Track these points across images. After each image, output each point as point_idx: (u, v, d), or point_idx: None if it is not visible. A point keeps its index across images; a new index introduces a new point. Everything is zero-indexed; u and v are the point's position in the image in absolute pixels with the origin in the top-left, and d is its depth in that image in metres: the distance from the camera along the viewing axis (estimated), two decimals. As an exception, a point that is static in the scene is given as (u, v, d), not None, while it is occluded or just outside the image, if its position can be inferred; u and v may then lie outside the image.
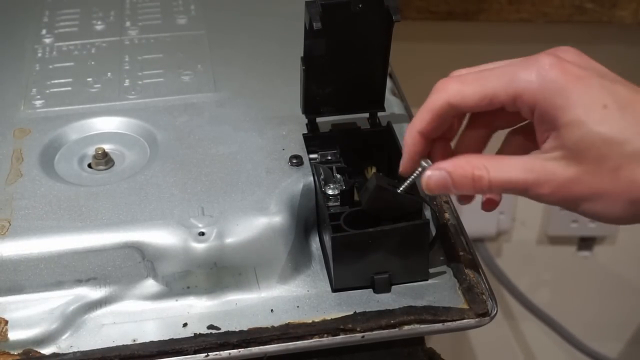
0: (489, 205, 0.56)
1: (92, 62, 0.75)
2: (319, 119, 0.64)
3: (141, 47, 0.77)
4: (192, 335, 0.54)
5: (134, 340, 0.54)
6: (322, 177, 0.59)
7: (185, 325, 0.55)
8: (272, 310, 0.56)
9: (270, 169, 0.61)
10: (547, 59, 0.49)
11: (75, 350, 0.54)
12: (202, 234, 0.56)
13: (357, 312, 0.55)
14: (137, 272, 0.56)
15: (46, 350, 0.54)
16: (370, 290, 0.57)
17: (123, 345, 0.54)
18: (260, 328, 0.54)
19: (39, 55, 0.76)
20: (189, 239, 0.56)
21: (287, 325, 0.55)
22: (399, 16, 0.58)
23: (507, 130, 0.57)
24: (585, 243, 1.26)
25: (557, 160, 0.49)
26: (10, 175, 0.62)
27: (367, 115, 0.65)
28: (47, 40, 0.78)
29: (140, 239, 0.56)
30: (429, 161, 0.53)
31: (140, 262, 0.56)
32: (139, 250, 0.56)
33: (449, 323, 0.55)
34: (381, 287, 0.56)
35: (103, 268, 0.56)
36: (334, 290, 0.57)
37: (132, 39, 0.78)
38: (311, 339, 0.54)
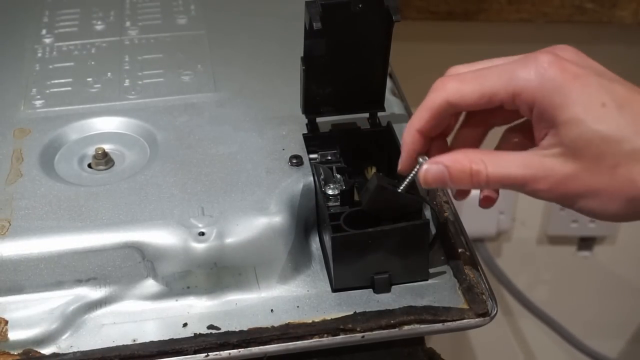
0: (487, 202, 0.56)
1: (92, 62, 0.75)
2: (319, 119, 0.64)
3: (141, 47, 0.77)
4: (192, 335, 0.54)
5: (134, 340, 0.54)
6: (322, 177, 0.59)
7: (185, 325, 0.55)
8: (272, 310, 0.56)
9: (270, 169, 0.61)
10: (545, 57, 0.49)
11: (75, 350, 0.54)
12: (202, 234, 0.56)
13: (357, 312, 0.55)
14: (137, 272, 0.56)
15: (46, 350, 0.54)
16: (370, 290, 0.57)
17: (123, 345, 0.54)
18: (260, 328, 0.54)
19: (39, 55, 0.76)
20: (189, 239, 0.56)
21: (287, 325, 0.55)
22: (399, 16, 0.58)
23: (503, 128, 0.57)
24: (585, 243, 1.26)
25: (555, 157, 0.49)
26: (10, 175, 0.62)
27: (367, 115, 0.65)
28: (47, 40, 0.78)
29: (140, 239, 0.56)
30: (427, 158, 0.53)
31: (140, 262, 0.56)
32: (139, 250, 0.56)
33: (449, 323, 0.55)
34: (381, 287, 0.56)
35: (103, 268, 0.56)
36: (334, 290, 0.57)
37: (132, 39, 0.78)
38: (311, 339, 0.54)
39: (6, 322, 0.55)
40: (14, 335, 0.54)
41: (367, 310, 0.55)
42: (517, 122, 0.56)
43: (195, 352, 0.53)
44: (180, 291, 0.56)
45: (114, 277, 0.56)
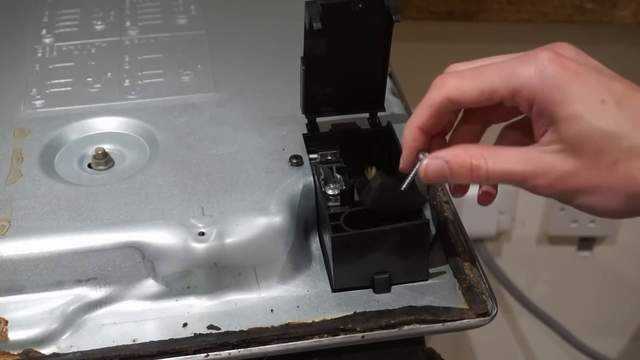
0: (486, 198, 0.56)
1: (92, 62, 0.75)
2: (319, 119, 0.64)
3: (141, 47, 0.77)
4: (192, 335, 0.54)
5: (134, 340, 0.54)
6: (322, 177, 0.59)
7: (185, 325, 0.55)
8: (272, 310, 0.56)
9: (270, 169, 0.61)
10: (545, 54, 0.50)
11: (75, 350, 0.54)
12: (202, 234, 0.56)
13: (357, 312, 0.55)
14: (137, 272, 0.56)
15: (46, 350, 0.54)
16: (370, 290, 0.57)
17: (123, 345, 0.54)
18: (260, 328, 0.54)
19: (39, 55, 0.76)
20: (189, 239, 0.56)
21: (287, 325, 0.55)
22: (399, 16, 0.58)
23: (501, 125, 0.57)
24: (585, 243, 1.26)
25: (555, 154, 0.49)
26: (10, 175, 0.62)
27: (367, 115, 0.65)
28: (47, 40, 0.78)
29: (140, 239, 0.56)
30: (427, 155, 0.53)
31: (140, 262, 0.56)
32: (139, 250, 0.56)
33: (449, 323, 0.55)
34: (381, 287, 0.56)
35: (103, 268, 0.56)
36: (334, 290, 0.57)
37: (132, 39, 0.78)
38: (311, 339, 0.54)
39: (6, 322, 0.55)
40: (14, 335, 0.54)
41: (367, 310, 0.55)
42: (515, 119, 0.56)
43: (195, 352, 0.53)
44: (180, 291, 0.56)
45: (114, 277, 0.56)
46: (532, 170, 0.50)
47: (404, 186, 0.55)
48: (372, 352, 0.56)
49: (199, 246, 0.55)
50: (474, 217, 1.11)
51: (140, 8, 0.83)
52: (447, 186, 0.62)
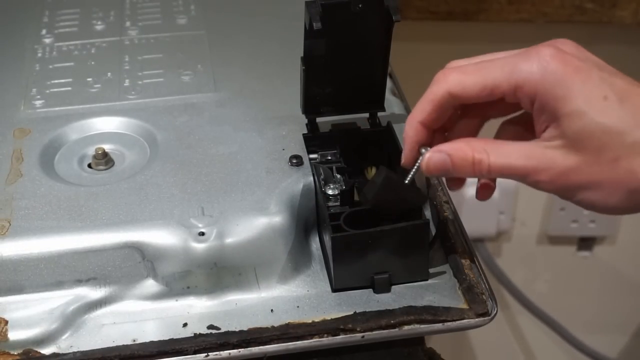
0: (484, 191, 0.56)
1: (92, 62, 0.75)
2: (319, 119, 0.64)
3: (141, 47, 0.77)
4: (192, 335, 0.54)
5: (134, 340, 0.54)
6: (322, 177, 0.59)
7: (185, 325, 0.55)
8: (272, 310, 0.56)
9: (270, 169, 0.61)
10: (547, 50, 0.50)
11: (75, 350, 0.54)
12: (202, 234, 0.56)
13: (357, 312, 0.55)
14: (137, 272, 0.56)
15: (46, 350, 0.54)
16: (370, 290, 0.57)
17: (123, 345, 0.54)
18: (260, 328, 0.54)
19: (39, 55, 0.76)
20: (189, 239, 0.56)
21: (287, 325, 0.55)
22: (399, 16, 0.58)
23: (499, 119, 0.57)
24: (585, 243, 1.26)
25: (557, 149, 0.50)
26: (10, 175, 0.62)
27: (367, 115, 0.65)
28: (47, 40, 0.78)
29: (140, 239, 0.56)
30: (429, 149, 0.53)
31: (140, 262, 0.56)
32: (139, 250, 0.56)
33: (449, 323, 0.55)
34: (381, 287, 0.56)
35: (103, 268, 0.56)
36: (334, 290, 0.57)
37: (132, 39, 0.78)
38: (311, 339, 0.54)
39: (6, 322, 0.55)
40: (14, 335, 0.54)
41: (367, 310, 0.55)
42: (514, 114, 0.56)
43: (195, 352, 0.53)
44: (180, 291, 0.56)
45: (114, 277, 0.56)
46: (534, 165, 0.50)
47: (407, 179, 0.55)
48: (372, 352, 0.56)
49: (199, 246, 0.55)
50: (474, 217, 1.11)
51: (140, 8, 0.83)
52: (443, 180, 0.62)
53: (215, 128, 0.66)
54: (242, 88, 0.71)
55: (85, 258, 0.56)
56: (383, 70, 0.63)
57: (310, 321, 0.55)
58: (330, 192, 0.59)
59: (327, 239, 0.57)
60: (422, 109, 0.53)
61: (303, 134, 0.64)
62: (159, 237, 0.56)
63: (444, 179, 0.62)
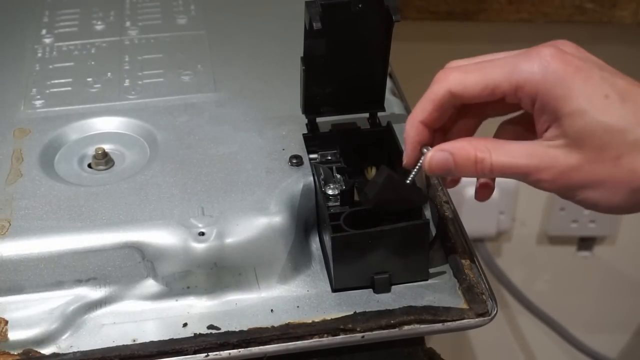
0: (483, 190, 0.56)
1: (92, 62, 0.75)
2: (319, 119, 0.64)
3: (141, 47, 0.77)
4: (192, 335, 0.54)
5: (134, 340, 0.54)
6: (322, 177, 0.59)
7: (185, 325, 0.55)
8: (272, 310, 0.56)
9: (270, 169, 0.61)
10: (548, 50, 0.50)
11: (75, 350, 0.54)
12: (202, 234, 0.56)
13: (357, 312, 0.55)
14: (137, 272, 0.56)
15: (46, 350, 0.54)
16: (370, 290, 0.57)
17: (123, 345, 0.54)
18: (260, 328, 0.54)
19: (39, 55, 0.76)
20: (189, 239, 0.56)
21: (287, 325, 0.55)
22: (399, 16, 0.58)
23: (497, 119, 0.57)
24: (585, 243, 1.26)
25: (559, 148, 0.50)
26: (10, 175, 0.62)
27: (367, 115, 0.65)
28: (47, 40, 0.78)
29: (140, 239, 0.56)
30: (430, 148, 0.53)
31: (140, 262, 0.56)
32: (139, 250, 0.56)
33: (449, 323, 0.55)
34: (381, 287, 0.56)
35: (103, 268, 0.56)
36: (334, 290, 0.57)
37: (132, 39, 0.78)
38: (311, 339, 0.54)
39: (6, 322, 0.55)
40: (14, 335, 0.54)
41: (367, 310, 0.55)
42: (513, 114, 0.56)
43: (195, 352, 0.53)
44: (180, 291, 0.56)
45: (114, 277, 0.56)
46: (536, 164, 0.50)
47: (409, 179, 0.55)
48: (372, 352, 0.56)
49: (199, 246, 0.55)
50: (474, 217, 1.11)
51: (140, 8, 0.83)
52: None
53: (215, 128, 0.66)
54: (242, 88, 0.71)
55: (85, 258, 0.56)
56: (383, 70, 0.63)
57: (310, 321, 0.55)
58: (330, 192, 0.59)
59: (327, 239, 0.57)
60: (423, 109, 0.53)
61: (303, 134, 0.64)
62: (159, 237, 0.56)
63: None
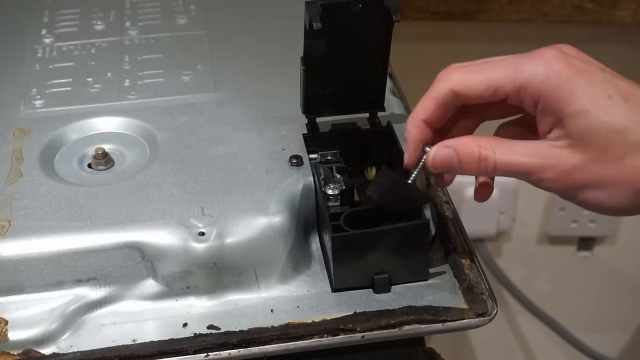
0: (483, 190, 0.56)
1: (92, 62, 0.75)
2: (319, 119, 0.64)
3: (141, 47, 0.77)
4: (192, 335, 0.54)
5: (134, 340, 0.54)
6: (322, 177, 0.59)
7: (185, 325, 0.55)
8: (272, 310, 0.56)
9: (270, 169, 0.61)
10: (551, 52, 0.50)
11: (75, 350, 0.54)
12: (202, 234, 0.56)
13: (357, 312, 0.55)
14: (137, 272, 0.56)
15: (46, 350, 0.54)
16: (370, 290, 0.57)
17: (123, 345, 0.54)
18: (260, 328, 0.54)
19: (39, 55, 0.76)
20: (189, 239, 0.56)
21: (287, 325, 0.55)
22: (399, 16, 0.58)
23: (496, 120, 0.57)
24: (585, 243, 1.26)
25: (563, 148, 0.50)
26: (10, 175, 0.62)
27: (367, 115, 0.65)
28: (47, 40, 0.78)
29: (140, 239, 0.56)
30: (432, 147, 0.53)
31: (140, 262, 0.56)
32: (139, 250, 0.56)
33: (449, 323, 0.55)
34: (381, 287, 0.56)
35: (103, 268, 0.56)
36: (334, 290, 0.57)
37: (132, 39, 0.78)
38: (311, 339, 0.54)
39: (6, 322, 0.55)
40: (14, 335, 0.54)
41: (367, 310, 0.55)
42: (512, 117, 0.56)
43: (195, 352, 0.53)
44: (180, 291, 0.56)
45: (114, 277, 0.56)
46: (540, 163, 0.50)
47: (410, 179, 0.55)
48: (372, 352, 0.56)
49: (199, 246, 0.55)
50: (474, 217, 1.11)
51: (140, 8, 0.83)
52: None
53: (215, 128, 0.66)
54: (242, 88, 0.71)
55: (85, 258, 0.56)
56: (383, 70, 0.63)
57: (310, 321, 0.55)
58: (330, 192, 0.59)
59: (327, 239, 0.57)
60: (425, 107, 0.53)
61: (303, 134, 0.64)
62: (159, 237, 0.56)
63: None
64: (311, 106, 0.63)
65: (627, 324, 1.33)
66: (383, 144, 0.63)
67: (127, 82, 0.72)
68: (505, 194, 1.17)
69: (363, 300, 0.56)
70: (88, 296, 0.56)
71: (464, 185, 1.01)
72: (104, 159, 0.64)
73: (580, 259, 1.27)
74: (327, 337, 0.54)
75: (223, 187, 0.60)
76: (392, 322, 0.54)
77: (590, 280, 1.29)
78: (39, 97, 0.70)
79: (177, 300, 0.57)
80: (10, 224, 0.57)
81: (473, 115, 0.56)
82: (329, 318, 0.55)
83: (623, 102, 0.49)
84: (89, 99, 0.70)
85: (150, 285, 0.57)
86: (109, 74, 0.73)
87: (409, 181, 0.55)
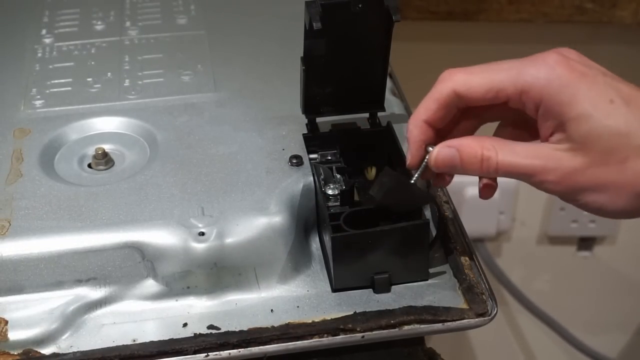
0: (487, 189, 0.56)
1: (92, 62, 0.75)
2: (319, 119, 0.64)
3: (141, 47, 0.77)
4: (192, 335, 0.54)
5: (134, 340, 0.54)
6: (322, 177, 0.59)
7: (185, 325, 0.55)
8: (272, 310, 0.56)
9: (270, 169, 0.61)
10: (553, 56, 0.50)
11: (75, 350, 0.54)
12: (202, 234, 0.56)
13: (357, 312, 0.55)
14: (137, 272, 0.56)
15: (46, 350, 0.54)
16: (370, 290, 0.57)
17: (123, 345, 0.54)
18: (260, 328, 0.54)
19: (39, 55, 0.76)
20: (189, 239, 0.56)
21: (287, 325, 0.55)
22: (399, 16, 0.58)
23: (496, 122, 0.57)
24: (585, 243, 1.26)
25: (565, 151, 0.50)
26: (10, 175, 0.62)
27: (367, 115, 0.65)
28: (47, 40, 0.78)
29: (140, 239, 0.56)
30: (434, 147, 0.53)
31: (140, 262, 0.56)
32: (139, 250, 0.56)
33: (449, 323, 0.55)
34: (381, 287, 0.56)
35: (103, 268, 0.56)
36: (334, 290, 0.57)
37: (132, 39, 0.78)
38: (311, 339, 0.54)
39: (6, 322, 0.55)
40: (14, 335, 0.54)
41: (367, 310, 0.55)
42: (510, 120, 0.56)
43: (195, 352, 0.53)
44: (180, 291, 0.56)
45: (114, 277, 0.56)
46: (542, 165, 0.50)
47: (413, 178, 0.55)
48: (372, 352, 0.56)
49: (199, 246, 0.55)
50: (474, 217, 1.11)
51: (140, 8, 0.83)
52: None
53: (215, 128, 0.66)
54: (242, 88, 0.71)
55: (85, 258, 0.56)
56: (383, 70, 0.63)
57: (310, 321, 0.55)
58: (330, 192, 0.59)
59: (327, 239, 0.57)
60: (426, 108, 0.53)
61: (303, 134, 0.64)
62: (159, 237, 0.56)
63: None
64: (311, 106, 0.63)
65: (627, 324, 1.33)
66: (383, 144, 0.63)
67: (127, 82, 0.72)
68: (505, 194, 1.17)
69: (363, 300, 0.56)
70: (88, 296, 0.56)
71: (464, 185, 1.01)
72: (104, 159, 0.64)
73: (580, 259, 1.27)
74: (327, 337, 0.54)
75: (223, 187, 0.60)
76: (392, 322, 0.54)
77: (590, 280, 1.29)
78: (39, 97, 0.70)
79: (177, 300, 0.57)
80: (10, 224, 0.57)
81: (474, 117, 0.56)
82: (329, 318, 0.55)
83: (625, 106, 0.49)
84: (89, 99, 0.70)
85: (150, 285, 0.57)
86: (109, 74, 0.73)
87: (412, 181, 0.55)
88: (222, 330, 0.55)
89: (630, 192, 0.49)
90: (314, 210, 0.60)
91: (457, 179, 0.57)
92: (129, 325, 0.55)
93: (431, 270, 0.58)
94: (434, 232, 0.60)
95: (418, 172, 0.55)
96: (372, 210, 0.56)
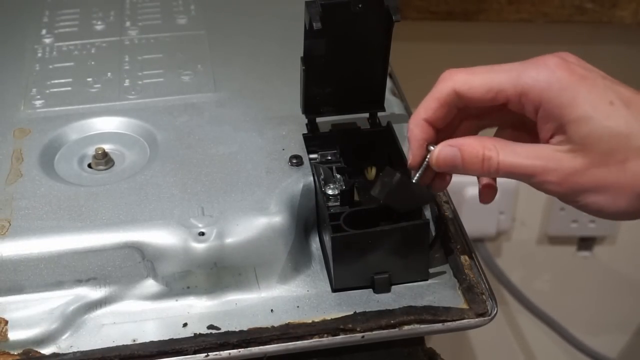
0: (487, 191, 0.56)
1: (92, 62, 0.75)
2: (319, 119, 0.64)
3: (141, 47, 0.77)
4: (192, 335, 0.54)
5: (134, 340, 0.54)
6: (322, 177, 0.59)
7: (185, 325, 0.55)
8: (272, 310, 0.56)
9: (270, 169, 0.61)
10: (553, 60, 0.50)
11: (75, 350, 0.54)
12: (202, 234, 0.56)
13: (357, 312, 0.55)
14: (137, 272, 0.56)
15: (46, 350, 0.54)
16: (370, 290, 0.57)
17: (123, 345, 0.54)
18: (260, 328, 0.54)
19: (39, 55, 0.76)
20: (189, 239, 0.56)
21: (287, 325, 0.55)
22: (399, 16, 0.58)
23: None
24: (585, 243, 1.26)
25: (565, 152, 0.50)
26: (10, 175, 0.62)
27: (367, 115, 0.65)
28: (47, 40, 0.78)
29: (140, 239, 0.56)
30: (436, 146, 0.53)
31: (140, 262, 0.56)
32: (139, 250, 0.56)
33: (449, 323, 0.55)
34: (381, 287, 0.56)
35: (103, 268, 0.56)
36: (334, 290, 0.57)
37: (132, 39, 0.78)
38: (311, 339, 0.54)
39: (6, 322, 0.55)
40: (14, 335, 0.54)
41: (367, 310, 0.55)
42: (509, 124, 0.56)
43: (195, 352, 0.53)
44: (180, 291, 0.56)
45: (114, 277, 0.56)
46: (543, 166, 0.50)
47: (415, 178, 0.55)
48: (372, 352, 0.56)
49: (199, 246, 0.55)
50: (474, 217, 1.11)
51: (140, 8, 0.83)
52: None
53: (215, 128, 0.66)
54: (242, 88, 0.71)
55: (85, 258, 0.56)
56: (383, 70, 0.63)
57: (310, 321, 0.55)
58: (330, 192, 0.59)
59: (327, 239, 0.57)
60: (427, 107, 0.53)
61: (303, 134, 0.64)
62: (159, 237, 0.56)
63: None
64: (311, 106, 0.63)
65: (627, 324, 1.33)
66: (383, 144, 0.63)
67: (127, 82, 0.72)
68: (505, 194, 1.17)
69: (363, 300, 0.56)
70: (88, 296, 0.56)
71: (464, 185, 1.01)
72: (104, 159, 0.64)
73: (580, 259, 1.27)
74: (327, 337, 0.54)
75: (223, 187, 0.60)
76: (392, 322, 0.54)
77: (590, 280, 1.29)
78: (39, 97, 0.70)
79: (177, 300, 0.57)
80: (10, 224, 0.57)
81: (474, 119, 0.56)
82: (329, 318, 0.55)
83: (624, 108, 0.49)
84: (89, 99, 0.70)
85: (150, 285, 0.57)
86: (109, 74, 0.73)
87: (414, 179, 0.55)
88: (222, 330, 0.55)
89: (630, 193, 0.49)
90: (314, 210, 0.60)
91: (457, 179, 0.57)
92: (129, 325, 0.55)
93: (431, 270, 0.58)
94: (434, 232, 0.60)
95: (419, 172, 0.55)
96: (372, 210, 0.56)
